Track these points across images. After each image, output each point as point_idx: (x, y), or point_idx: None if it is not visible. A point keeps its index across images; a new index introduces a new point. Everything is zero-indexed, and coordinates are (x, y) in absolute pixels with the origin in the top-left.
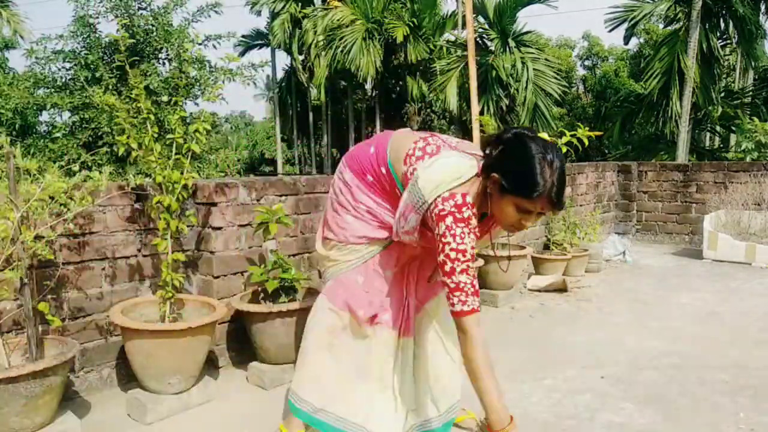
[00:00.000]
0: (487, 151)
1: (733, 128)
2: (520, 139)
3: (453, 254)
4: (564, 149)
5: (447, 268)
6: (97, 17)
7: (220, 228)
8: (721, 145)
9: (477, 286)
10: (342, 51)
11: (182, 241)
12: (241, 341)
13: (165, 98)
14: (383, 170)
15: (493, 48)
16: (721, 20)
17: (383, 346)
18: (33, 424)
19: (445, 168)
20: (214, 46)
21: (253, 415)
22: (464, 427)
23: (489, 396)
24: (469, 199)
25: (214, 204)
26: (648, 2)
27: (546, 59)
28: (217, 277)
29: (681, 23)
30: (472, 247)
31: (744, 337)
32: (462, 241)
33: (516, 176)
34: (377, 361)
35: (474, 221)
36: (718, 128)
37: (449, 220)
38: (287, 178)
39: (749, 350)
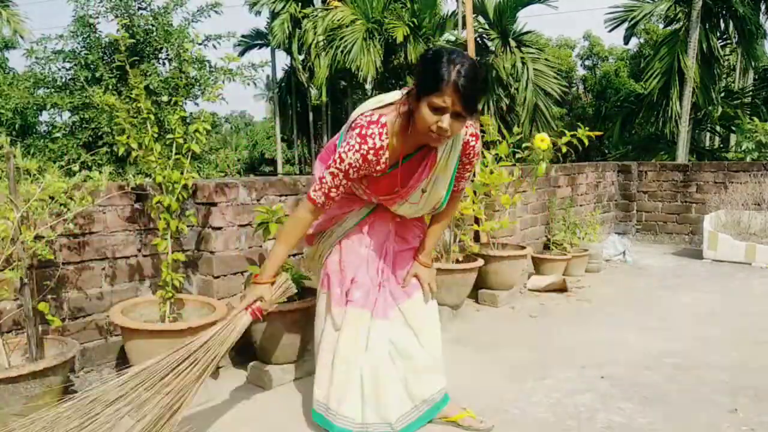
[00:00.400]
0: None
1: (733, 128)
2: (430, 50)
3: (337, 156)
4: (564, 149)
5: (329, 163)
6: (97, 17)
7: (220, 228)
8: (721, 145)
9: (332, 194)
10: (342, 51)
11: (182, 241)
12: (241, 341)
13: (165, 98)
14: (337, 143)
15: (493, 48)
16: (721, 20)
17: (352, 326)
18: None
19: (371, 99)
20: (214, 46)
21: (253, 415)
22: (463, 425)
23: (271, 257)
24: (383, 119)
25: (214, 204)
26: (648, 2)
27: (546, 59)
28: (217, 277)
29: (681, 23)
30: (353, 166)
31: (744, 337)
32: (347, 152)
33: (424, 75)
34: (344, 340)
35: (376, 145)
36: (718, 128)
37: (355, 132)
38: (287, 178)
39: (749, 350)
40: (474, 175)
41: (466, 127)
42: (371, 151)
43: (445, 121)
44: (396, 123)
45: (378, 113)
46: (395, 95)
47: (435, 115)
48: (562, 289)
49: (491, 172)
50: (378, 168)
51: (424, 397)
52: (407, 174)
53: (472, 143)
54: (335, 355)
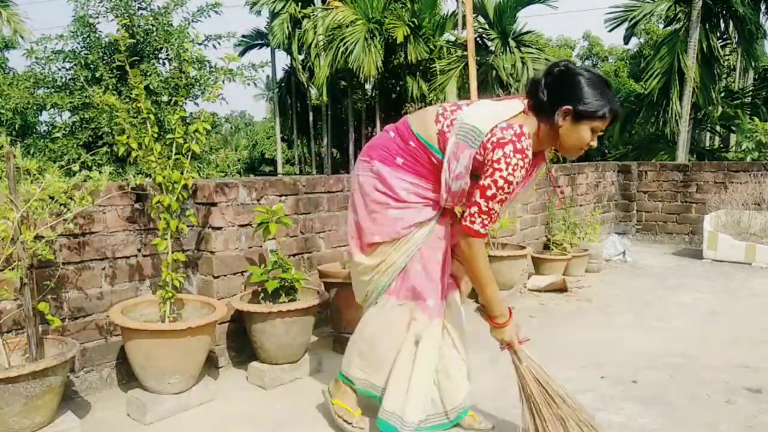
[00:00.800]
0: (539, 91)
1: (733, 128)
2: (574, 71)
3: (501, 182)
4: None
5: (489, 192)
6: (97, 17)
7: (220, 228)
8: (721, 145)
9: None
10: (343, 51)
11: (182, 241)
12: (241, 341)
13: (165, 98)
14: (412, 144)
15: (493, 48)
16: (721, 20)
17: (437, 337)
18: (33, 424)
19: (493, 106)
20: (214, 46)
21: (253, 415)
22: (464, 426)
23: (494, 299)
24: (526, 129)
25: (214, 204)
26: (648, 2)
27: (546, 59)
28: (217, 277)
29: (681, 23)
30: (518, 183)
31: (744, 337)
32: (513, 173)
33: (588, 101)
34: (429, 350)
35: (530, 154)
36: (718, 128)
37: (509, 148)
38: (287, 178)
39: (749, 350)
40: None
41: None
42: (527, 162)
43: (595, 138)
44: (532, 134)
45: (517, 124)
46: (515, 104)
47: (593, 135)
48: (562, 289)
49: None
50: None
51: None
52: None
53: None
54: (415, 367)
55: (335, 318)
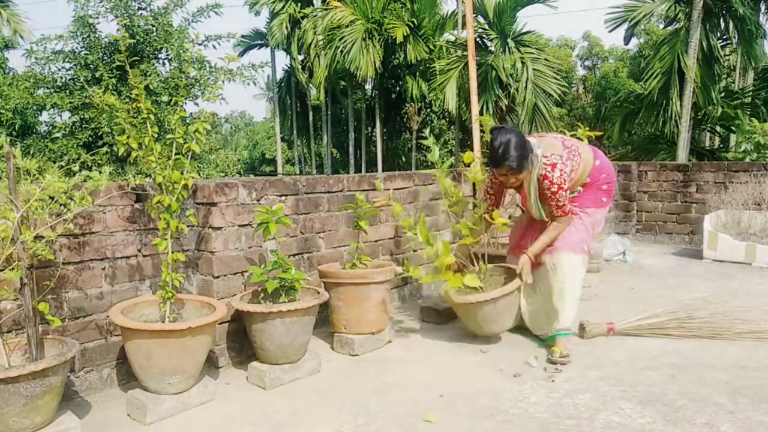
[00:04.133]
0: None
1: (733, 128)
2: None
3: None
4: None
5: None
6: (97, 17)
7: (220, 228)
8: (721, 146)
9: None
10: (342, 51)
11: (182, 241)
12: (241, 341)
13: (165, 98)
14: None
15: (492, 48)
16: (721, 20)
17: None
18: (33, 424)
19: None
20: (214, 47)
21: (253, 415)
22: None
23: (540, 244)
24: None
25: (214, 204)
26: (648, 2)
27: (546, 59)
28: (217, 277)
29: (681, 23)
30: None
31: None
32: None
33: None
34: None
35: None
36: (718, 128)
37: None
38: (287, 178)
39: (749, 350)
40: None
41: (546, 167)
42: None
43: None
44: None
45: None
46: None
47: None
48: None
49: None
50: None
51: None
52: (524, 196)
53: (545, 182)
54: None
55: (335, 318)
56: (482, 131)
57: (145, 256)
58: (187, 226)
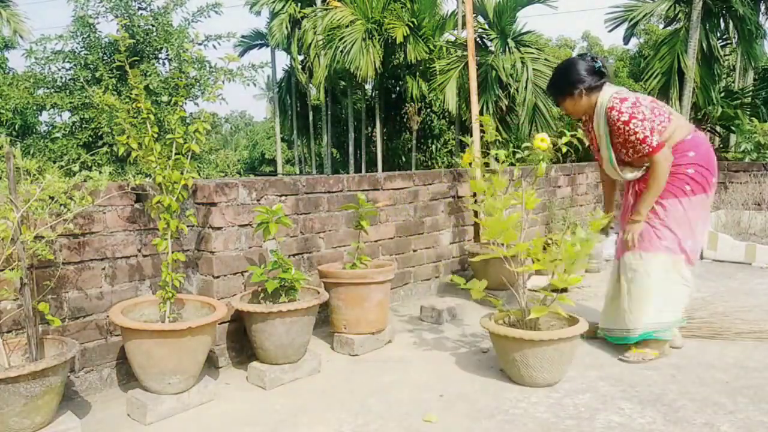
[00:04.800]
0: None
1: (733, 128)
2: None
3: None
4: (564, 149)
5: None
6: (97, 17)
7: (220, 228)
8: (721, 146)
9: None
10: (342, 51)
11: (182, 241)
12: (241, 341)
13: (165, 98)
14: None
15: (492, 48)
16: (721, 20)
17: None
18: (33, 424)
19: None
20: (214, 47)
21: (253, 415)
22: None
23: (645, 201)
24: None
25: (214, 204)
26: (648, 2)
27: (546, 59)
28: (217, 277)
29: (681, 23)
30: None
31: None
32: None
33: None
34: None
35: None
36: (718, 128)
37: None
38: (287, 178)
39: (749, 350)
40: (639, 144)
41: (615, 99)
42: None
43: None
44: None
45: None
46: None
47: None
48: (562, 289)
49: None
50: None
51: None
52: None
53: (612, 113)
54: None
55: (335, 318)
56: (482, 131)
57: (145, 256)
58: (187, 226)
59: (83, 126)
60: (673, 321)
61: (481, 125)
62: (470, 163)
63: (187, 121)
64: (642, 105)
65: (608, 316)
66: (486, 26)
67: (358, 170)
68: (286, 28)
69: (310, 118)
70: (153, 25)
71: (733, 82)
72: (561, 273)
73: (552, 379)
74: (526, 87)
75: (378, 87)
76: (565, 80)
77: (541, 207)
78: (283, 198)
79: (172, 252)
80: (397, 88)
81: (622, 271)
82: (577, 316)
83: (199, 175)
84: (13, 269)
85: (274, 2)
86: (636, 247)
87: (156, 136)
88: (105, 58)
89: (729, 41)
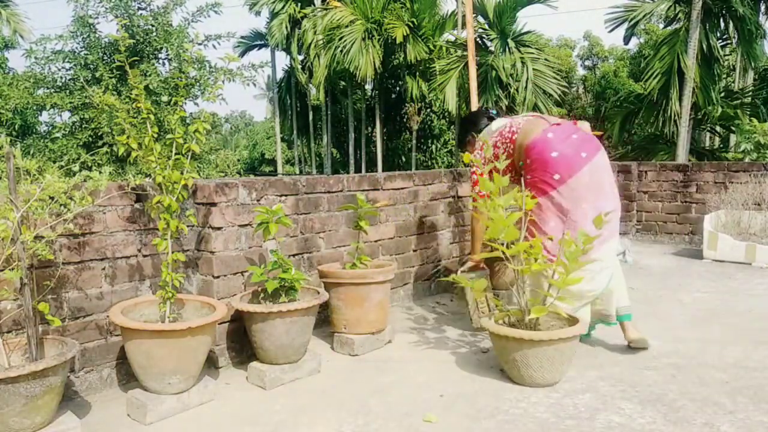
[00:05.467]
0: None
1: (733, 128)
2: None
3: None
4: None
5: None
6: (97, 17)
7: (220, 228)
8: (721, 146)
9: None
10: (341, 51)
11: (182, 241)
12: (241, 341)
13: (165, 98)
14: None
15: (492, 48)
16: (721, 20)
17: None
18: (33, 424)
19: None
20: (214, 47)
21: (253, 415)
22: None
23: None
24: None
25: (214, 204)
26: (648, 2)
27: (546, 59)
28: (217, 277)
29: (681, 23)
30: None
31: (744, 337)
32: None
33: None
34: None
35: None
36: (718, 128)
37: None
38: (287, 178)
39: (749, 350)
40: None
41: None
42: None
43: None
44: None
45: None
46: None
47: None
48: None
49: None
50: None
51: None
52: None
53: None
54: None
55: (335, 318)
56: None
57: (145, 256)
58: (187, 226)
59: (83, 126)
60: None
61: None
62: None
63: (187, 121)
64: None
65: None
66: (486, 26)
67: (358, 170)
68: (286, 28)
69: (310, 118)
70: (153, 25)
71: (733, 82)
72: (561, 273)
73: (552, 379)
74: (526, 87)
75: (378, 87)
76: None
77: None
78: (283, 198)
79: (172, 252)
80: (397, 88)
81: None
82: (577, 316)
83: (199, 175)
84: (13, 269)
85: (274, 2)
86: None
87: (156, 136)
88: (105, 58)
89: (729, 41)
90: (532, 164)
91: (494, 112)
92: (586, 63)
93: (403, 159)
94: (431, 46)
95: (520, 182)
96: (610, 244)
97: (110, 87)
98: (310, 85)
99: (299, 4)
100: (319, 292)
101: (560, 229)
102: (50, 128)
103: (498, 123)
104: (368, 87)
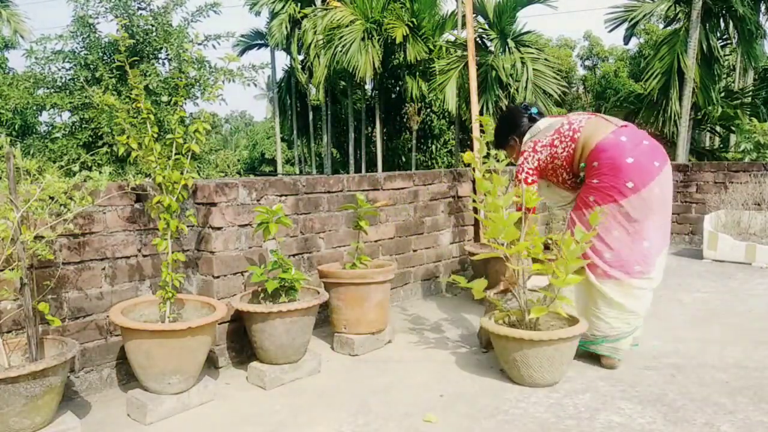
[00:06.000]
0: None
1: (733, 128)
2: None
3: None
4: None
5: None
6: (97, 17)
7: (220, 228)
8: (721, 145)
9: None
10: (341, 51)
11: (182, 241)
12: (241, 341)
13: (165, 98)
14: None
15: (492, 48)
16: (721, 20)
17: None
18: (33, 424)
19: None
20: (214, 46)
21: (253, 415)
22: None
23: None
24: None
25: (214, 204)
26: (648, 2)
27: (546, 59)
28: (217, 277)
29: (681, 23)
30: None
31: (744, 337)
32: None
33: None
34: None
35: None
36: (718, 128)
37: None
38: (287, 178)
39: (749, 350)
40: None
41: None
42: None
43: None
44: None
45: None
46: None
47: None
48: None
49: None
50: None
51: None
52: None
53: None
54: None
55: (335, 318)
56: (482, 131)
57: (145, 256)
58: (187, 226)
59: (83, 126)
60: None
61: (481, 125)
62: (468, 165)
63: (187, 121)
64: (534, 153)
65: None
66: (486, 26)
67: (358, 170)
68: (286, 28)
69: (310, 118)
70: (153, 25)
71: (733, 82)
72: (561, 273)
73: (552, 379)
74: (526, 87)
75: (378, 87)
76: (500, 133)
77: (541, 207)
78: (283, 198)
79: (172, 252)
80: (397, 88)
81: None
82: (577, 316)
83: (199, 175)
84: (13, 269)
85: (273, 2)
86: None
87: (156, 136)
88: (105, 58)
89: (729, 41)
90: (601, 168)
91: (535, 110)
92: (586, 63)
93: (403, 159)
94: (431, 46)
95: (575, 185)
96: (661, 259)
97: (110, 87)
98: (310, 85)
99: (299, 4)
100: (319, 292)
101: (623, 240)
102: (50, 128)
103: (546, 121)
104: (368, 87)
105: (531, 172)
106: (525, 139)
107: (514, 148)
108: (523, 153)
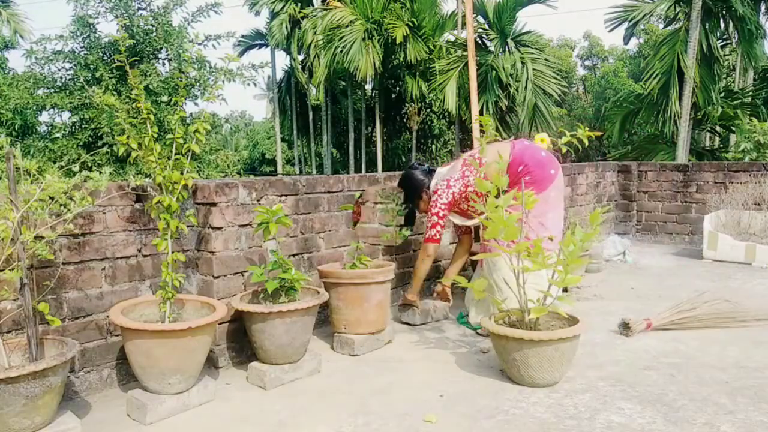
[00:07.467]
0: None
1: (733, 128)
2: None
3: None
4: (564, 149)
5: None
6: (97, 17)
7: (220, 228)
8: (721, 145)
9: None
10: (341, 51)
11: (182, 241)
12: (241, 341)
13: (165, 98)
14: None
15: (492, 48)
16: (721, 20)
17: None
18: (33, 424)
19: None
20: (214, 46)
21: (253, 415)
22: None
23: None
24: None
25: (214, 204)
26: (648, 2)
27: (546, 59)
28: (217, 277)
29: (681, 23)
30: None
31: (744, 337)
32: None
33: None
34: None
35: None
36: (718, 128)
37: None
38: (287, 178)
39: (749, 350)
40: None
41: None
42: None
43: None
44: None
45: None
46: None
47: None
48: (562, 289)
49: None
50: None
51: None
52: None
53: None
54: None
55: (335, 318)
56: (482, 131)
57: (145, 256)
58: (187, 226)
59: (83, 126)
60: None
61: (481, 125)
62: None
63: (187, 121)
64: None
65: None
66: (486, 26)
67: (358, 170)
68: (286, 28)
69: (310, 118)
70: (153, 25)
71: (733, 82)
72: (561, 273)
73: (552, 379)
74: (526, 87)
75: (378, 87)
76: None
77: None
78: (283, 198)
79: (172, 252)
80: (397, 88)
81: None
82: (577, 315)
83: (199, 175)
84: (13, 269)
85: (273, 2)
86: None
87: (156, 136)
88: (105, 58)
89: (729, 41)
90: (527, 167)
91: (426, 165)
92: (586, 63)
93: (403, 159)
94: (431, 46)
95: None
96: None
97: (110, 87)
98: (310, 85)
99: (299, 4)
100: (319, 292)
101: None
102: (50, 128)
103: (444, 167)
104: (368, 87)
105: (443, 206)
106: (432, 186)
107: (426, 201)
108: (436, 191)
